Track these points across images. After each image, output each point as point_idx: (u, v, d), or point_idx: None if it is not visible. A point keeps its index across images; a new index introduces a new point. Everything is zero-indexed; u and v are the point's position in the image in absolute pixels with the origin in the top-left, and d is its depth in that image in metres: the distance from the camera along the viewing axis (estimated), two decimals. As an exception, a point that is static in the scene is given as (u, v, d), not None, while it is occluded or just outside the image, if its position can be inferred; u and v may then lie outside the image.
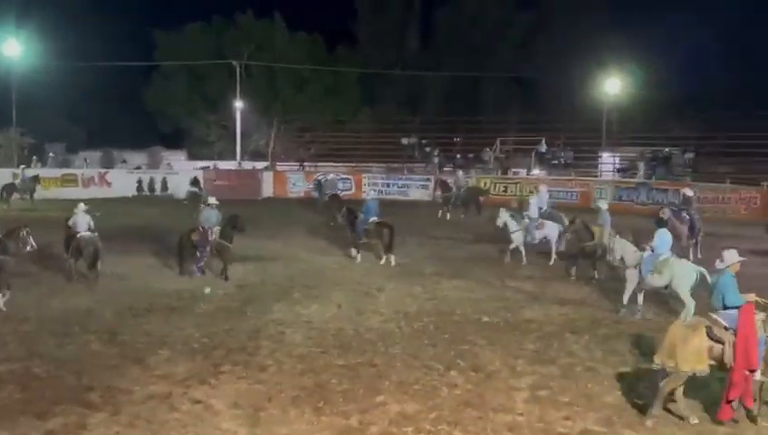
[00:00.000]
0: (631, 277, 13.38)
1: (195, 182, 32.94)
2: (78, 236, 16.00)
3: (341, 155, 41.24)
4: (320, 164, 40.03)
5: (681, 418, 8.54)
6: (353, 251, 19.24)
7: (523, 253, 18.64)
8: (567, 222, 18.29)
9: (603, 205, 17.42)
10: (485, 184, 34.98)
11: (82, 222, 16.29)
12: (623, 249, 13.71)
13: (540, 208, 19.36)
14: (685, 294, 12.61)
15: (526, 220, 18.76)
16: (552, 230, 18.53)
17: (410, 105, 50.40)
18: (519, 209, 20.23)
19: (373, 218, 19.02)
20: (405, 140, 40.80)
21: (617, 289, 15.29)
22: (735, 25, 41.67)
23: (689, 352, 8.34)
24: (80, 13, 45.59)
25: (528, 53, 47.80)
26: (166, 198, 36.28)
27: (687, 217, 18.67)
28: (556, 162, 36.29)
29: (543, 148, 36.43)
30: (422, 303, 14.39)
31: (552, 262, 18.36)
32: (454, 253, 20.41)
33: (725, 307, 8.55)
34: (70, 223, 16.43)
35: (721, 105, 35.61)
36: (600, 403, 9.11)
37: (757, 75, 39.44)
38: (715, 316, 8.63)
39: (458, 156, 38.32)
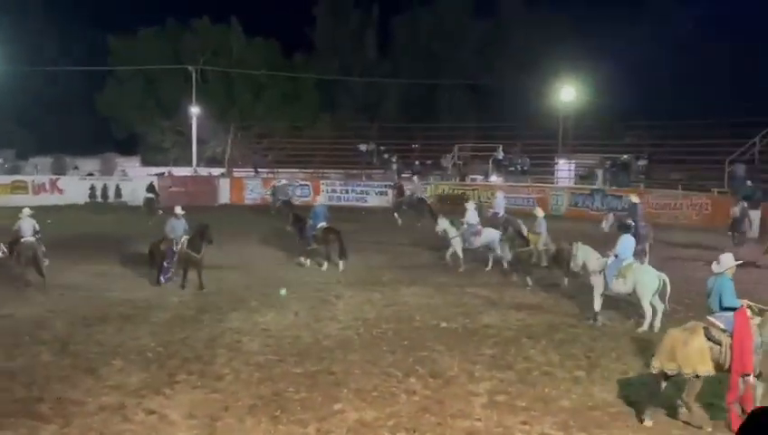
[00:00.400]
0: (597, 283, 13.46)
1: (151, 188, 32.43)
2: (21, 241, 15.72)
3: (300, 161, 41.04)
4: (278, 170, 39.69)
5: (689, 424, 8.60)
6: (302, 258, 19.22)
7: (461, 258, 18.89)
8: (523, 227, 18.47)
9: (539, 213, 17.86)
10: (444, 190, 35.20)
11: (28, 227, 16.08)
12: (586, 256, 13.81)
13: (497, 214, 19.53)
14: (645, 302, 12.78)
15: (464, 226, 19.06)
16: (491, 236, 18.71)
17: (369, 112, 50.45)
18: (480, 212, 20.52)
19: (321, 224, 19.07)
20: (363, 147, 40.81)
21: (570, 295, 15.56)
22: (686, 37, 42.81)
23: (691, 353, 8.46)
24: (31, 17, 44.60)
25: (485, 61, 48.26)
26: (119, 205, 35.67)
27: (632, 223, 18.95)
28: (513, 169, 36.66)
29: (501, 155, 36.78)
30: (381, 309, 14.37)
31: (488, 267, 18.54)
32: (412, 259, 20.48)
33: (723, 309, 8.72)
34: (15, 228, 16.13)
35: (671, 114, 36.39)
36: (557, 407, 9.19)
37: (706, 85, 40.45)
38: (712, 319, 8.78)
39: (417, 162, 38.48)
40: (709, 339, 8.55)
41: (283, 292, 15.24)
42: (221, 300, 15.06)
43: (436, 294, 15.79)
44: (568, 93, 37.18)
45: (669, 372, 8.59)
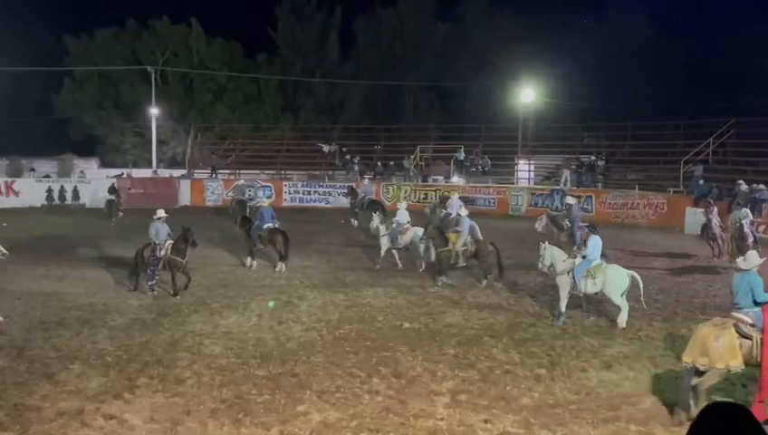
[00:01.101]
0: (563, 284, 13.55)
1: (112, 190, 31.99)
2: None
3: (262, 163, 40.80)
4: (239, 172, 39.42)
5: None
6: (248, 259, 19.23)
7: (381, 257, 19.13)
8: (477, 228, 18.65)
9: (463, 212, 18.08)
10: (406, 191, 35.31)
11: None
12: (553, 257, 13.88)
13: (449, 215, 19.77)
14: (617, 299, 12.98)
15: (394, 225, 19.31)
16: (416, 236, 18.84)
17: (331, 113, 50.44)
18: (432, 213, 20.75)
19: (267, 225, 19.11)
20: (325, 148, 40.77)
21: (531, 294, 15.76)
22: (642, 39, 43.63)
23: (723, 348, 8.60)
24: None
25: (447, 63, 48.56)
26: (77, 207, 35.08)
27: (569, 223, 19.29)
28: (474, 170, 36.98)
29: (462, 156, 37.07)
30: (343, 310, 14.38)
31: (422, 268, 18.60)
32: (375, 260, 20.44)
33: (756, 304, 8.87)
34: None
35: (628, 115, 37.08)
36: (518, 405, 9.30)
37: (662, 87, 41.28)
38: (740, 314, 8.93)
39: (379, 163, 38.57)
40: (740, 334, 8.72)
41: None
42: (182, 303, 14.91)
43: (398, 294, 15.84)
44: (528, 95, 37.62)
45: (701, 368, 8.73)
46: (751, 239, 17.24)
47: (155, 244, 15.79)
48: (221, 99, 48.84)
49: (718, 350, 8.61)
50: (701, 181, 27.91)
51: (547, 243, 14.31)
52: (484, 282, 16.78)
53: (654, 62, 42.97)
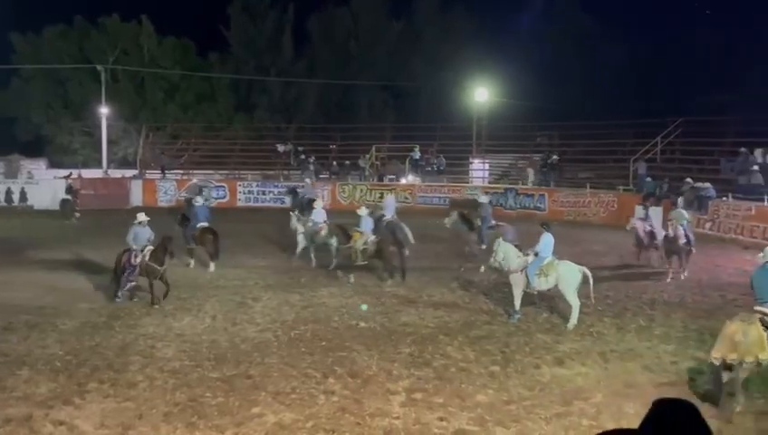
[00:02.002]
0: (517, 281, 13.64)
1: (69, 190, 31.30)
2: None
3: (215, 162, 40.35)
4: (192, 172, 38.91)
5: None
6: (187, 257, 19.21)
7: (296, 255, 19.34)
8: (408, 232, 18.80)
9: (362, 211, 18.26)
10: (362, 191, 35.30)
11: None
12: (506, 253, 13.95)
13: (383, 216, 19.95)
14: (570, 295, 13.09)
15: (310, 224, 19.54)
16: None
17: (286, 112, 50.13)
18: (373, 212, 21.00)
19: (201, 224, 19.12)
20: (280, 147, 40.49)
21: (485, 292, 15.92)
22: (593, 40, 44.44)
23: (751, 342, 8.76)
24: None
25: (401, 62, 48.72)
26: (25, 208, 34.22)
27: (479, 222, 19.60)
28: (430, 169, 37.19)
29: (417, 155, 37.23)
30: (299, 311, 14.31)
31: (331, 266, 18.58)
32: (330, 260, 20.35)
33: None
34: None
35: (580, 114, 37.72)
36: (473, 402, 9.38)
37: (612, 87, 42.10)
38: (763, 308, 9.10)
39: (334, 163, 38.50)
40: (766, 327, 8.91)
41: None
42: (134, 305, 14.66)
43: (354, 294, 15.83)
44: (481, 94, 37.96)
45: (731, 362, 8.88)
46: (683, 241, 17.29)
47: (132, 250, 14.93)
48: (173, 98, 48.18)
49: (746, 344, 8.83)
50: (648, 179, 28.56)
51: (501, 239, 14.40)
52: (389, 281, 16.92)
53: (604, 61, 43.76)
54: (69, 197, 30.83)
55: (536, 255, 13.57)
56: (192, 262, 19.13)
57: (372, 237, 17.24)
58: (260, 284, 16.99)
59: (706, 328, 12.92)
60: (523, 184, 34.00)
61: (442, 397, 9.56)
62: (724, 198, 25.03)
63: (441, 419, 8.85)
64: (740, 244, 23.17)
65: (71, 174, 36.31)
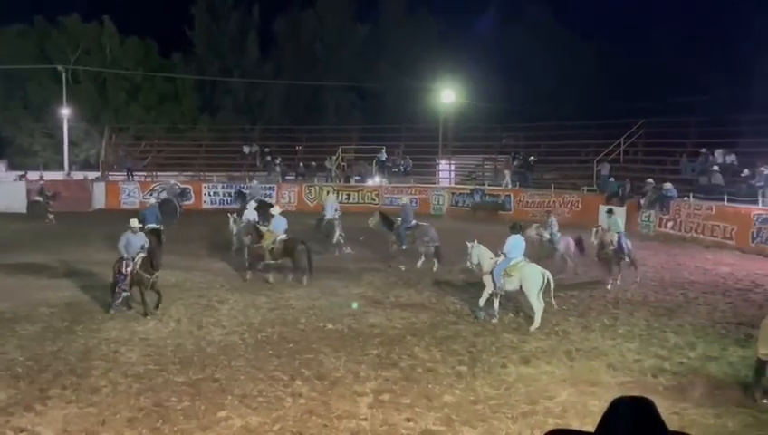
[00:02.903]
0: (488, 283, 13.71)
1: (40, 191, 30.70)
2: None
3: (180, 164, 39.86)
4: (156, 173, 38.39)
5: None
6: None
7: (245, 256, 19.13)
8: (337, 232, 19.65)
9: (275, 211, 18.56)
10: (328, 192, 35.17)
11: None
12: (480, 255, 14.01)
13: (324, 217, 20.74)
14: (533, 298, 13.12)
15: (242, 224, 19.94)
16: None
17: (251, 113, 49.82)
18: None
19: (148, 226, 19.01)
20: (246, 149, 40.18)
21: (452, 293, 15.98)
22: (557, 42, 44.92)
23: None
24: None
25: (367, 64, 48.74)
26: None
27: (398, 221, 19.83)
28: (396, 170, 37.25)
29: (384, 156, 37.27)
30: (266, 313, 14.21)
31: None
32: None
33: None
34: None
35: (545, 116, 38.11)
36: (440, 403, 9.41)
37: (575, 88, 42.60)
38: None
39: (301, 164, 38.35)
40: None
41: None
42: (97, 309, 14.41)
43: (321, 296, 15.76)
44: (447, 96, 38.12)
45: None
46: (613, 248, 16.80)
47: (123, 258, 14.15)
48: (136, 99, 47.57)
49: None
50: (611, 179, 28.97)
51: (476, 241, 14.33)
52: (290, 277, 17.23)
53: (568, 63, 44.27)
54: (40, 199, 30.29)
55: (505, 256, 13.63)
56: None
57: (282, 237, 17.47)
58: (226, 286, 16.82)
59: (669, 326, 13.17)
60: (489, 184, 34.19)
61: (409, 398, 9.56)
62: (686, 198, 25.48)
63: (408, 419, 8.85)
64: (701, 243, 23.63)
65: (24, 174, 35.69)
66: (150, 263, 14.06)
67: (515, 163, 34.74)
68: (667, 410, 8.75)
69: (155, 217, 19.45)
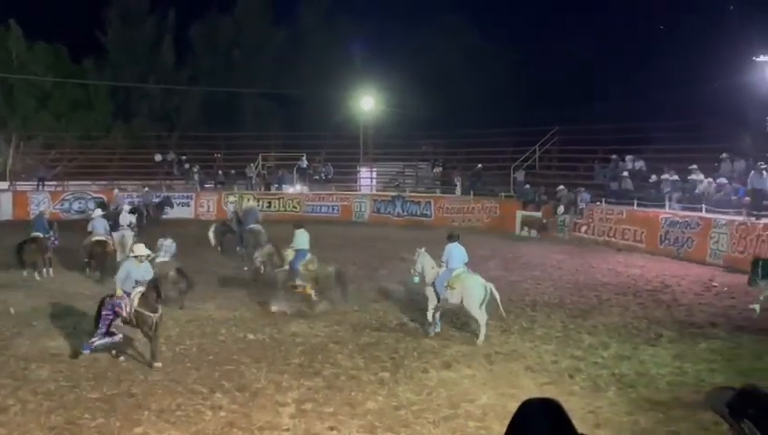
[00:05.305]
0: (430, 295, 13.34)
1: None
2: None
3: (93, 173, 38.49)
4: (67, 183, 36.99)
5: None
6: (87, 270, 19.00)
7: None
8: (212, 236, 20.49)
9: (96, 213, 19.51)
10: (249, 200, 34.70)
11: None
12: (424, 265, 13.64)
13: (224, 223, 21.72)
14: (475, 310, 12.76)
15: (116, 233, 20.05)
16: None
17: (168, 120, 48.61)
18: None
19: (34, 234, 18.76)
20: (159, 157, 39.20)
21: (374, 299, 16.02)
22: (473, 50, 45.76)
23: None
24: None
25: (287, 70, 48.33)
26: None
27: (235, 229, 20.60)
28: (317, 177, 37.15)
29: (305, 163, 37.11)
30: (183, 325, 13.85)
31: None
32: (216, 272, 19.86)
33: None
34: None
35: (463, 124, 38.73)
36: (363, 410, 9.40)
37: (491, 96, 43.43)
38: None
39: (220, 172, 37.74)
40: None
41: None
42: (4, 325, 13.73)
43: (241, 306, 15.52)
44: (367, 103, 38.28)
45: None
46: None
47: (113, 295, 11.78)
48: (46, 106, 45.68)
49: None
50: (527, 186, 29.72)
51: (423, 249, 13.91)
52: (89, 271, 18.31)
53: (485, 72, 45.12)
54: None
55: (446, 266, 13.26)
56: (96, 274, 18.53)
57: (95, 238, 18.09)
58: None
59: (584, 327, 13.59)
60: (415, 188, 34.48)
61: (332, 406, 9.52)
62: (598, 203, 26.39)
63: (331, 428, 8.81)
64: (613, 246, 24.50)
65: None
66: (156, 295, 11.51)
67: (436, 170, 35.16)
68: (582, 410, 9.02)
69: (40, 227, 18.92)
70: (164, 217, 30.16)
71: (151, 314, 11.42)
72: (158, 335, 11.54)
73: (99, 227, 19.09)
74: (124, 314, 11.51)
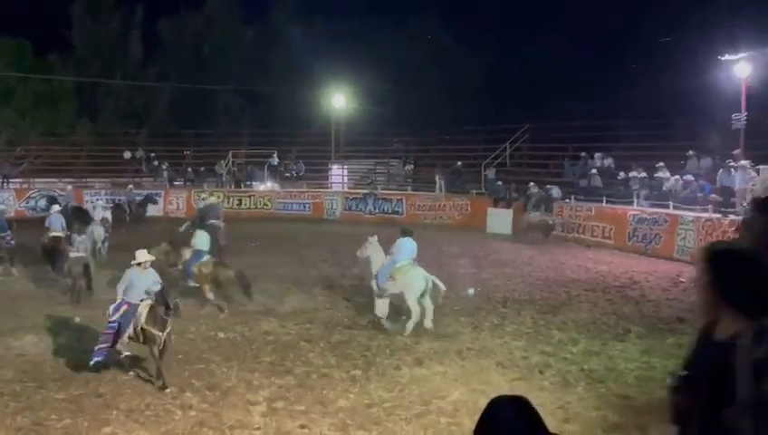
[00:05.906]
0: (373, 286, 13.54)
1: None
2: None
3: (58, 170, 37.86)
4: (33, 180, 36.34)
5: None
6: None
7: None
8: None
9: (54, 209, 19.00)
10: (219, 197, 34.44)
11: None
12: (373, 253, 13.74)
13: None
14: (411, 301, 12.95)
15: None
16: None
17: (136, 117, 47.98)
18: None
19: (54, 233, 18.30)
20: (128, 154, 38.71)
21: (347, 297, 15.98)
22: (444, 48, 45.91)
23: None
24: None
25: (257, 67, 48.02)
26: None
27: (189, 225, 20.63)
28: (288, 175, 36.97)
29: (275, 161, 36.92)
30: (153, 324, 13.67)
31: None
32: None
33: None
34: None
35: (435, 122, 38.87)
36: (335, 408, 9.36)
37: (463, 94, 43.64)
38: None
39: (189, 169, 37.38)
40: None
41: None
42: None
43: (207, 303, 15.34)
44: (339, 100, 38.18)
45: None
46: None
47: (129, 303, 10.80)
48: (8, 102, 44.80)
49: None
50: (498, 183, 29.88)
51: (376, 238, 14.07)
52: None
53: (456, 70, 45.31)
54: None
55: (391, 258, 13.48)
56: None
57: (51, 234, 17.90)
58: (109, 296, 16.06)
59: (553, 323, 13.69)
60: (387, 186, 34.50)
61: (304, 404, 9.47)
62: (567, 200, 26.63)
63: (303, 426, 8.76)
64: (582, 242, 24.76)
65: None
66: (165, 308, 10.36)
67: (408, 167, 35.21)
68: (552, 405, 9.09)
69: (60, 226, 18.42)
70: (147, 214, 29.87)
71: (159, 333, 10.31)
72: (165, 352, 10.49)
73: (55, 224, 18.69)
74: (114, 317, 10.65)
